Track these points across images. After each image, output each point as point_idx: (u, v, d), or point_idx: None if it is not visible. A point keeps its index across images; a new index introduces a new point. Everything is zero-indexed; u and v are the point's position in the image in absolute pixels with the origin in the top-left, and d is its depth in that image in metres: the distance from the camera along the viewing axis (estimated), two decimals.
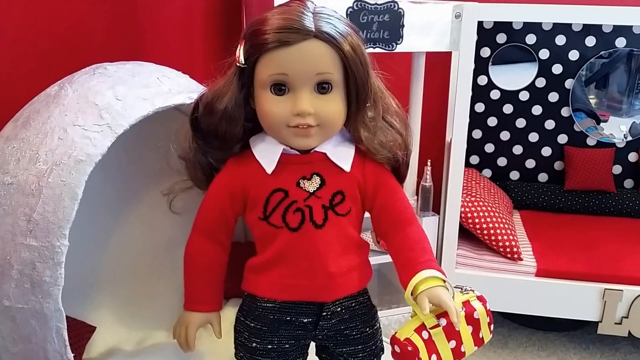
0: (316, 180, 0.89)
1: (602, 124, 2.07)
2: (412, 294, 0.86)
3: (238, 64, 0.85)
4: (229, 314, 1.10)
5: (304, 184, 0.88)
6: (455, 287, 0.90)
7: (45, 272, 0.85)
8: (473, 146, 2.10)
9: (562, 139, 2.10)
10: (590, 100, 2.05)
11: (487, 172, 2.16)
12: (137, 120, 0.93)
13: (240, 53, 0.85)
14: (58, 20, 1.34)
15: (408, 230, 0.92)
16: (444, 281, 0.86)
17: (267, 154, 0.89)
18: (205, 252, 0.95)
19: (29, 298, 0.86)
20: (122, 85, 0.97)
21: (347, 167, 0.89)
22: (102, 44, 1.41)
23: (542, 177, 2.15)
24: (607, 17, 1.61)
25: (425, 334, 0.87)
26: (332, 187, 0.89)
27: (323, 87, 0.84)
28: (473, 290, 0.93)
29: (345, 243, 0.91)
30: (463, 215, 1.71)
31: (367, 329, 0.95)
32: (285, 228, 0.88)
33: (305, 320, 0.92)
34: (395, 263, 0.92)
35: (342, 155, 0.90)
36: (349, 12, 1.43)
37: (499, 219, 1.73)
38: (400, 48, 1.50)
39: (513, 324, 1.88)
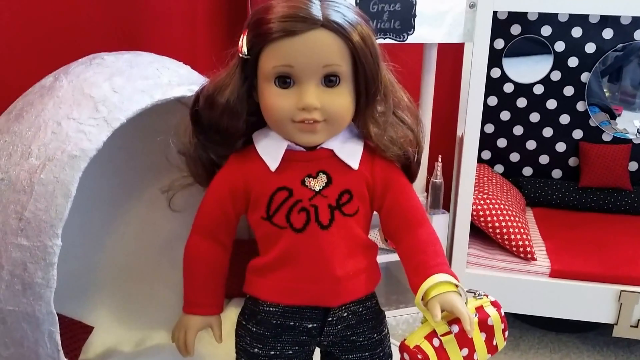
0: (322, 179, 0.85)
1: (614, 119, 2.01)
2: (422, 299, 0.82)
3: (241, 55, 0.81)
4: (231, 314, 1.07)
5: (310, 183, 0.85)
6: (468, 292, 0.86)
7: (37, 273, 0.82)
8: (485, 141, 2.04)
9: (577, 134, 2.04)
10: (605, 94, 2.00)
11: (499, 168, 2.11)
12: (134, 113, 0.89)
13: (243, 43, 0.81)
14: (55, 7, 1.30)
15: (419, 231, 0.88)
16: (457, 286, 0.83)
17: (270, 150, 0.85)
18: (205, 253, 0.91)
19: (20, 300, 0.83)
20: (120, 77, 0.93)
21: (355, 165, 0.86)
22: (101, 32, 1.37)
23: (556, 173, 2.10)
24: (626, 8, 1.55)
25: (436, 342, 0.84)
26: (339, 185, 0.85)
27: (330, 80, 0.79)
28: (487, 295, 0.90)
29: (353, 244, 0.87)
30: (474, 212, 1.67)
31: (375, 335, 0.92)
32: (289, 228, 0.84)
33: (310, 326, 0.88)
34: (405, 266, 0.89)
35: (350, 152, 0.86)
36: (359, 1, 1.39)
37: (512, 217, 1.68)
38: (411, 39, 1.46)
39: (524, 325, 1.84)
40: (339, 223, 0.85)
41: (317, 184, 0.84)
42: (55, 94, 0.91)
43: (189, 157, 0.91)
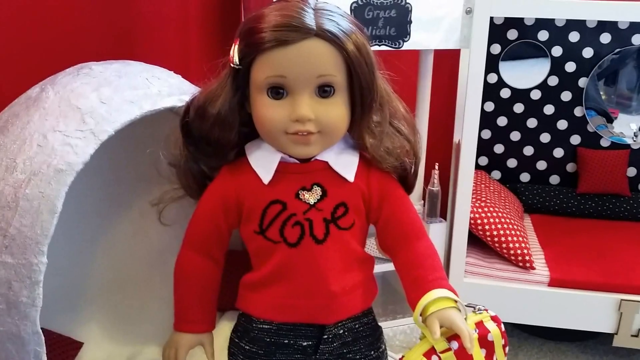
0: (317, 191, 0.82)
1: (611, 122, 2.00)
2: (421, 315, 0.80)
3: (232, 65, 0.79)
4: (224, 328, 1.05)
5: (304, 196, 0.82)
6: (467, 306, 0.84)
7: (22, 292, 0.79)
8: (482, 147, 2.02)
9: (575, 139, 2.02)
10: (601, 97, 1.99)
11: (496, 174, 2.09)
12: (122, 125, 0.87)
13: (234, 53, 0.78)
14: (46, 14, 1.28)
15: (416, 245, 0.86)
16: (456, 301, 0.80)
17: (263, 162, 0.83)
18: (196, 268, 0.88)
19: (5, 320, 0.80)
20: (107, 87, 0.91)
21: (350, 177, 0.83)
22: (93, 39, 1.34)
23: (554, 179, 2.08)
24: (624, 13, 1.53)
25: (435, 359, 0.81)
26: (334, 198, 0.82)
27: (324, 91, 0.77)
28: (487, 310, 0.88)
29: (348, 259, 0.84)
30: (472, 221, 1.64)
31: (372, 352, 0.89)
32: (283, 243, 0.82)
33: (305, 344, 0.85)
34: (402, 280, 0.86)
35: (345, 164, 0.84)
36: (353, 8, 1.36)
37: (510, 225, 1.66)
38: (407, 45, 1.43)
39: (523, 334, 1.82)
40: (335, 237, 0.82)
41: (311, 197, 0.82)
42: (41, 106, 0.89)
43: (180, 169, 0.88)
